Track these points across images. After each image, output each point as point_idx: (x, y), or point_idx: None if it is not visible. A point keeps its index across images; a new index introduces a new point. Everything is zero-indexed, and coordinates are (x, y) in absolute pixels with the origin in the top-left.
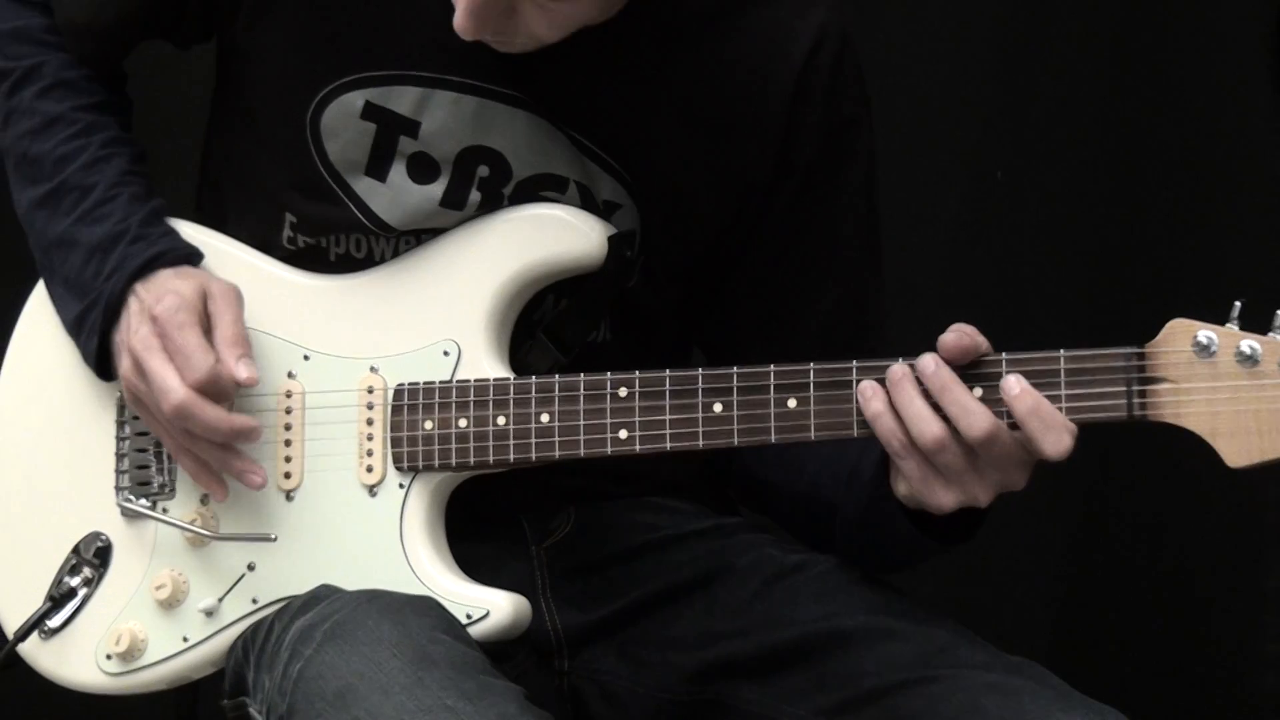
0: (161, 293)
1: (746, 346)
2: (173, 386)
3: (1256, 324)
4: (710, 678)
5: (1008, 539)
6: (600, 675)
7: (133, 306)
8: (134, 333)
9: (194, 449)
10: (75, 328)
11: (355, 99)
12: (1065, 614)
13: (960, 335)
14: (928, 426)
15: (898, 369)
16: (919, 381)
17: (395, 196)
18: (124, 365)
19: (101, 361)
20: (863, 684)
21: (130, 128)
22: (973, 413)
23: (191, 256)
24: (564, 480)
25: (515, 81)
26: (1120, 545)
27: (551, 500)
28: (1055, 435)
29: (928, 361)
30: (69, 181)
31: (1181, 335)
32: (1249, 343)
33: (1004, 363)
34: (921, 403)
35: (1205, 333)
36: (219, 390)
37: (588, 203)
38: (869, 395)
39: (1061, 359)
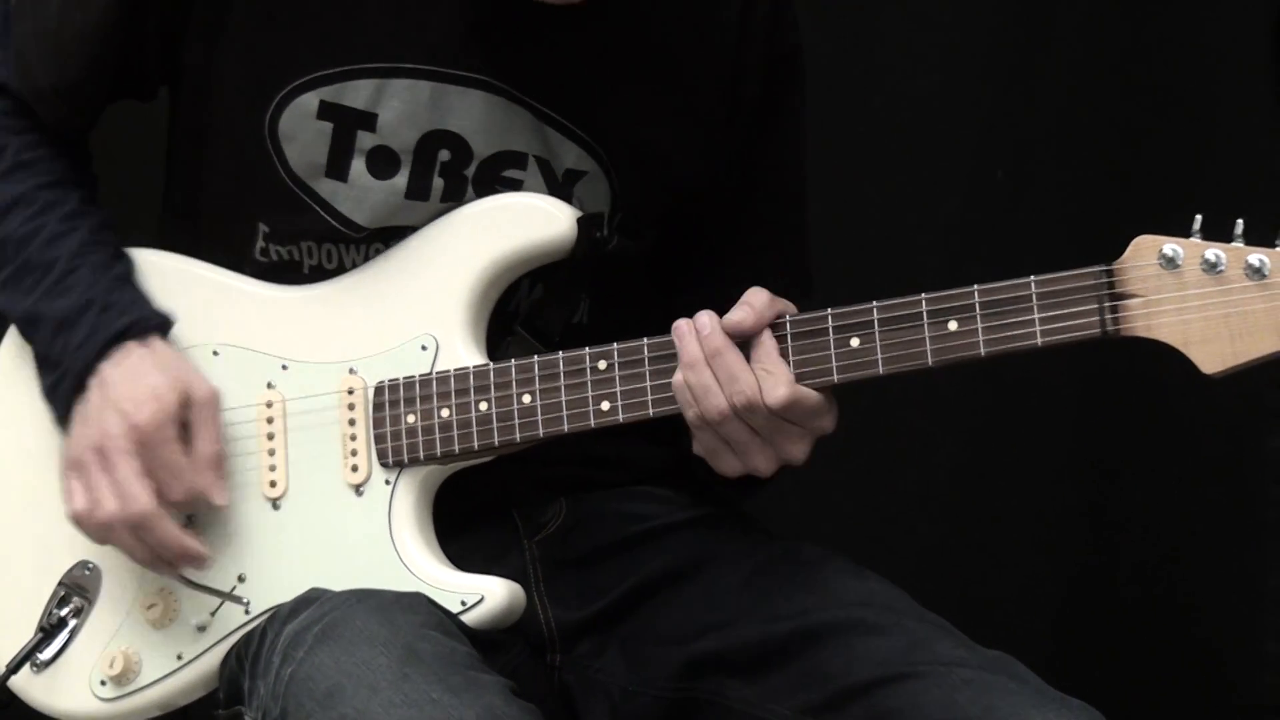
0: (140, 393)
1: (686, 279)
2: (140, 499)
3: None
4: (698, 673)
5: (1008, 538)
6: (592, 670)
7: (98, 385)
8: (102, 420)
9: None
10: (50, 397)
11: (310, 100)
12: (1065, 612)
13: (743, 313)
14: (715, 400)
15: (689, 342)
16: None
17: (359, 195)
18: (85, 443)
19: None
20: (844, 681)
21: (95, 201)
22: (737, 380)
23: (163, 326)
24: (554, 470)
25: (470, 61)
26: (1120, 544)
27: (542, 492)
28: (770, 381)
29: (703, 321)
30: (31, 260)
31: (1147, 250)
32: (1213, 251)
33: (829, 317)
34: (709, 373)
35: (1171, 245)
36: (197, 506)
37: (547, 176)
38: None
39: (1032, 284)
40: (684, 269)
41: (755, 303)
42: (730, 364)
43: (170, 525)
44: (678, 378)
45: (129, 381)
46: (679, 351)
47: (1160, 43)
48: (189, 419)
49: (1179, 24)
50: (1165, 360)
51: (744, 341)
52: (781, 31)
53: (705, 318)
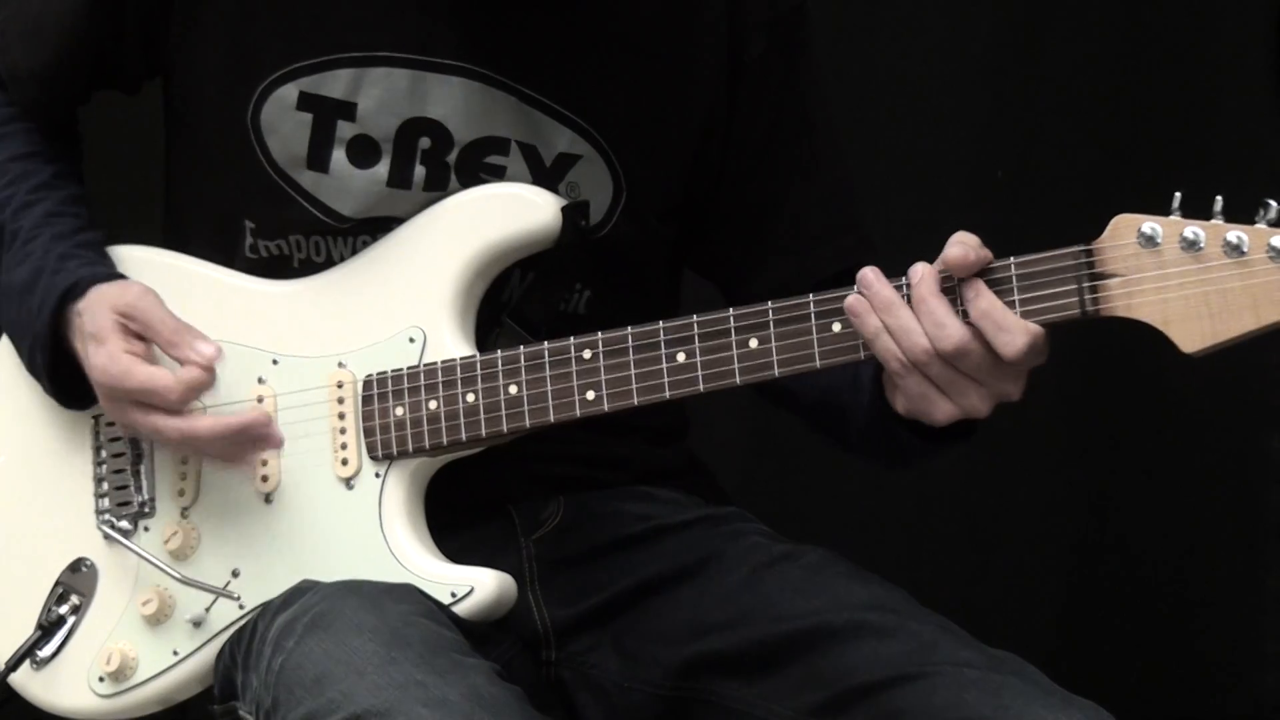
0: (92, 359)
1: (746, 263)
2: (161, 426)
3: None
4: (697, 673)
5: (1009, 538)
6: (587, 667)
7: (82, 352)
8: (103, 402)
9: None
10: (31, 370)
11: (289, 91)
12: (1066, 612)
13: (965, 250)
14: (917, 339)
15: (884, 289)
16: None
17: (341, 186)
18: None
19: (64, 396)
20: (849, 682)
21: (77, 176)
22: (944, 325)
23: (105, 279)
24: (552, 468)
25: (448, 48)
26: (1120, 544)
27: (540, 490)
28: (1007, 337)
29: (916, 270)
30: (3, 230)
31: (1126, 229)
32: (1192, 229)
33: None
34: (909, 314)
35: (1149, 224)
36: (200, 387)
37: (532, 162)
38: (860, 312)
39: (1012, 265)
40: (737, 257)
41: (968, 240)
42: (934, 310)
43: (203, 424)
44: (872, 324)
45: (86, 350)
46: (868, 298)
47: (1160, 43)
48: (133, 330)
49: (1179, 24)
50: (1166, 360)
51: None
52: None
53: (918, 266)
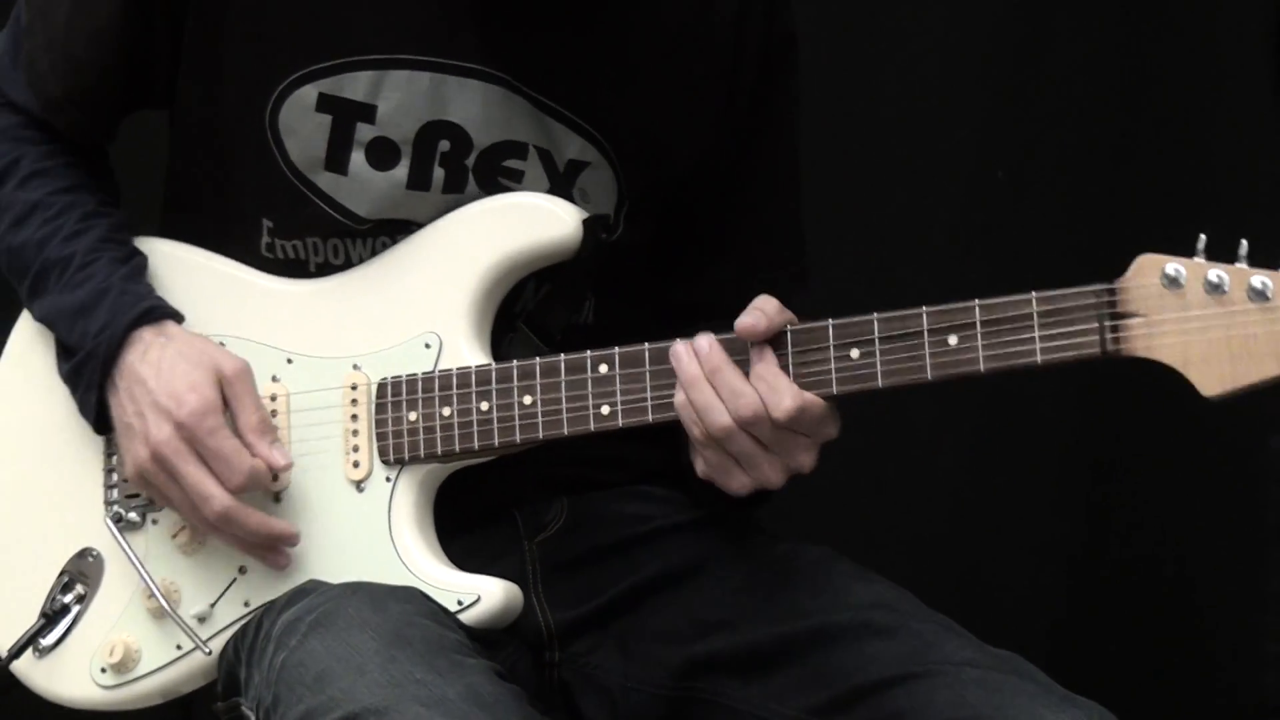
0: (176, 386)
1: (683, 272)
2: (214, 494)
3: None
4: (700, 673)
5: (1008, 538)
6: (590, 668)
7: (128, 383)
8: (147, 425)
9: (223, 537)
10: (71, 380)
11: (309, 93)
12: (1066, 612)
13: (756, 319)
14: (718, 416)
15: (688, 363)
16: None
17: (360, 187)
18: (141, 457)
19: (99, 417)
20: (850, 681)
21: (115, 205)
22: (741, 395)
23: (175, 316)
24: (556, 470)
25: (468, 52)
26: (1120, 544)
27: (544, 491)
28: (777, 398)
29: (701, 343)
30: (49, 259)
31: (1150, 269)
32: (1216, 272)
33: (829, 329)
34: (710, 391)
35: (1173, 265)
36: (260, 485)
37: (548, 167)
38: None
39: (1034, 301)
40: (680, 261)
41: (767, 309)
42: (730, 380)
43: (252, 515)
44: (679, 397)
45: (161, 376)
46: (677, 373)
47: (1161, 42)
48: (226, 395)
49: (1179, 23)
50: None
51: (742, 357)
52: (778, 18)
53: (703, 339)
